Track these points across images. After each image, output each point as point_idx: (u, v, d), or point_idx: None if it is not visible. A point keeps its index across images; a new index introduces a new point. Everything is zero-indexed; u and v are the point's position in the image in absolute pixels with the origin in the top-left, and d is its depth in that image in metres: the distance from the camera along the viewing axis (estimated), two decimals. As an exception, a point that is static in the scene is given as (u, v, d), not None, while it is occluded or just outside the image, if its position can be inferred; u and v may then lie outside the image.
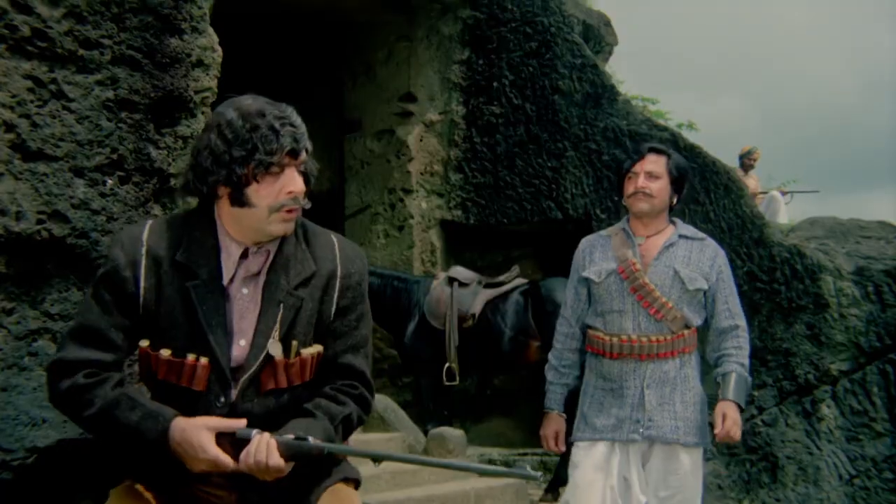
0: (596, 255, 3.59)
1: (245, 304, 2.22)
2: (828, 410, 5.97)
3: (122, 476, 2.25)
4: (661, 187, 3.49)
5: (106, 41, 3.15)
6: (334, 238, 2.40)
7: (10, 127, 2.91)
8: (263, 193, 2.16)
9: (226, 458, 2.06)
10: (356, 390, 2.33)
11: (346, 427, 2.29)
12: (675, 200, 3.57)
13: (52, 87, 3.02)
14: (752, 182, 10.74)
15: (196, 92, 3.41)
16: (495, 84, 7.50)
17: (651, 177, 3.48)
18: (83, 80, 3.10)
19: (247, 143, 2.12)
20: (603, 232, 3.69)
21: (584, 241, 3.71)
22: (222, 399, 2.17)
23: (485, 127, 7.53)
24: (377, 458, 2.14)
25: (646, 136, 6.68)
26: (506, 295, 6.61)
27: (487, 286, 6.67)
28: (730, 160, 8.30)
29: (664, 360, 3.43)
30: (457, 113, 7.69)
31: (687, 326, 3.46)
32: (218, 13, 3.64)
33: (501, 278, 6.73)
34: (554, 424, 3.62)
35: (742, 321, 3.54)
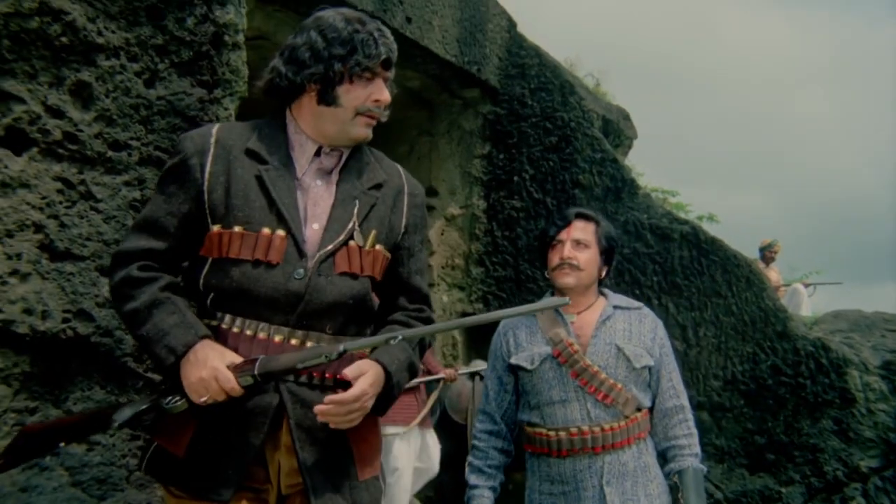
0: (523, 339, 3.14)
1: (319, 194, 2.27)
2: (859, 509, 5.83)
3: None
4: (589, 258, 3.12)
5: (134, 143, 3.22)
6: (396, 164, 2.52)
7: (38, 228, 2.96)
8: (353, 95, 2.25)
9: (226, 372, 2.05)
10: (424, 313, 2.45)
11: (421, 349, 2.42)
12: (604, 273, 3.20)
13: (81, 188, 3.08)
14: (773, 275, 10.72)
15: (221, 191, 3.45)
16: (516, 178, 7.56)
17: (579, 245, 3.12)
18: (111, 180, 3.16)
19: (347, 43, 2.22)
20: None
21: (505, 323, 3.24)
22: (300, 271, 2.16)
23: (505, 220, 7.58)
24: (392, 339, 2.14)
25: (667, 229, 6.70)
26: (527, 389, 6.55)
27: (509, 380, 6.62)
28: (751, 252, 8.29)
29: (621, 449, 2.97)
30: (478, 207, 7.75)
31: (639, 409, 3.05)
32: (243, 115, 3.71)
33: (523, 372, 6.68)
34: None
35: (685, 399, 3.14)
